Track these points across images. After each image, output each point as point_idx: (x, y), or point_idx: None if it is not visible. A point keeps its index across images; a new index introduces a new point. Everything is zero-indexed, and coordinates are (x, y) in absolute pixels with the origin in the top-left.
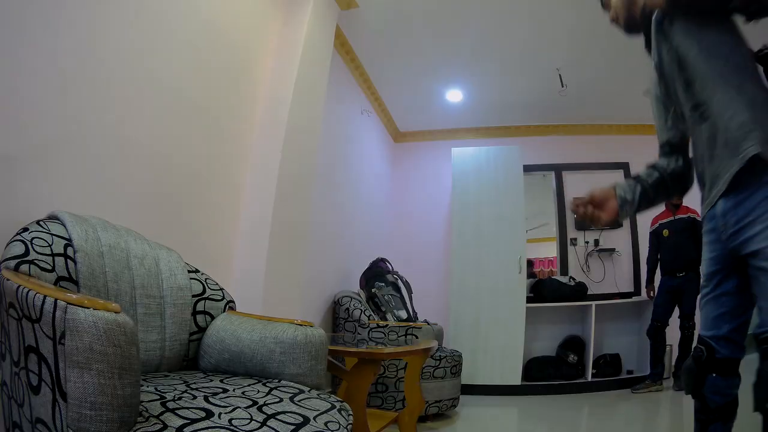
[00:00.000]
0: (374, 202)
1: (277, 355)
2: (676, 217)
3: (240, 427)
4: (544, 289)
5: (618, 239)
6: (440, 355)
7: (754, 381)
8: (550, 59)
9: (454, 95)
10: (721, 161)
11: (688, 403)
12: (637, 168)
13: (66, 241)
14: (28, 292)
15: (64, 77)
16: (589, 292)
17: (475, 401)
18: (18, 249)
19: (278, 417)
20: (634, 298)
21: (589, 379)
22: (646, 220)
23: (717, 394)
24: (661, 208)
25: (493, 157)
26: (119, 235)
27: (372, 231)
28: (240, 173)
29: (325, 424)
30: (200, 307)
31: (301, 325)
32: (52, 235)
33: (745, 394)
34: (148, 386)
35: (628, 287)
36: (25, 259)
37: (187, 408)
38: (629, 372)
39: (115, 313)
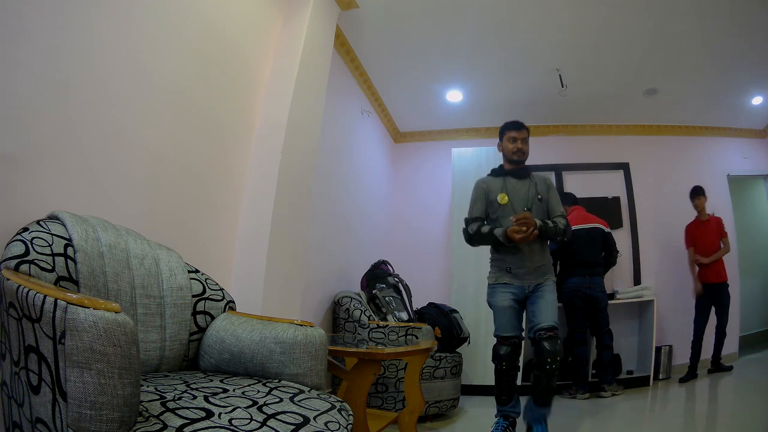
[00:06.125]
0: (374, 203)
1: (277, 355)
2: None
3: (240, 427)
4: None
5: (618, 239)
6: (440, 356)
7: None
8: (550, 59)
9: (454, 95)
10: None
11: (688, 401)
12: (638, 167)
13: (66, 241)
14: (28, 291)
15: (64, 77)
16: None
17: (475, 401)
18: (18, 249)
19: (278, 417)
20: (634, 299)
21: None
22: (645, 220)
23: None
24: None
25: (493, 158)
26: (119, 235)
27: (371, 231)
28: (240, 173)
29: (325, 424)
30: (200, 307)
31: (301, 325)
32: (52, 235)
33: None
34: (148, 386)
35: (629, 287)
36: (26, 258)
37: (187, 408)
38: (629, 372)
39: (115, 312)
